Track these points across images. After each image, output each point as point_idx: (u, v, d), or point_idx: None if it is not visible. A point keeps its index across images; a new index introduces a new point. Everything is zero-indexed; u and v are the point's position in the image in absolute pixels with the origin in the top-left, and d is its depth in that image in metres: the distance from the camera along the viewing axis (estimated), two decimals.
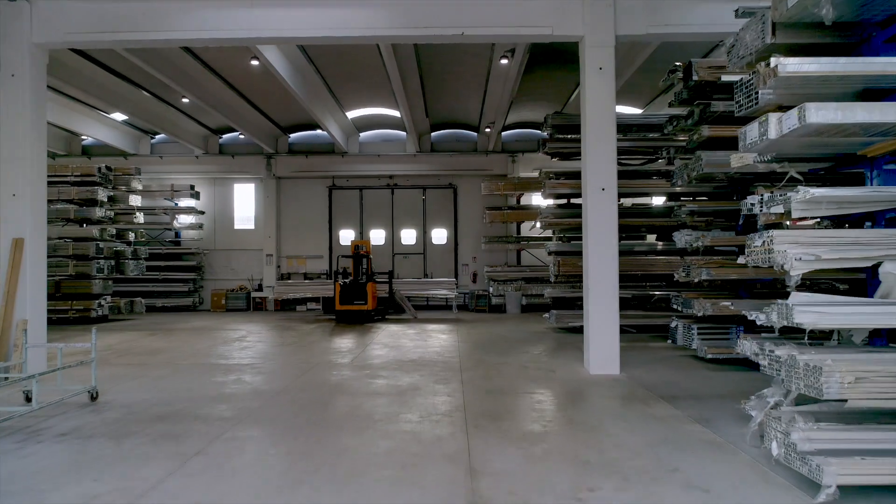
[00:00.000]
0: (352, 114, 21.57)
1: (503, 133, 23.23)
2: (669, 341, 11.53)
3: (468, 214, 23.86)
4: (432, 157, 23.62)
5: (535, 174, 22.54)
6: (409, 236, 24.09)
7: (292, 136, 24.03)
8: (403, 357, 11.58)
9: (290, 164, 23.70)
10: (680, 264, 11.70)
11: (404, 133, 23.78)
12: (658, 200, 17.50)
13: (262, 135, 22.56)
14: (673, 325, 11.35)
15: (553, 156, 16.10)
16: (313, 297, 21.82)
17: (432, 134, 23.78)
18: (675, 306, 11.35)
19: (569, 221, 15.45)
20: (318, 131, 23.68)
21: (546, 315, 16.39)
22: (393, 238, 24.04)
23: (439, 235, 24.07)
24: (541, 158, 22.94)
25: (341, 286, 18.47)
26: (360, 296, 18.41)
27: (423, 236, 24.03)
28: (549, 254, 15.78)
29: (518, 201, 23.10)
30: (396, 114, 21.64)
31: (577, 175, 15.18)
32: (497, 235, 23.25)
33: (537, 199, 23.26)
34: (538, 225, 16.31)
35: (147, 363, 10.99)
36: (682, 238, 11.23)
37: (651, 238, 16.57)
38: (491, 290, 21.87)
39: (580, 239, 16.04)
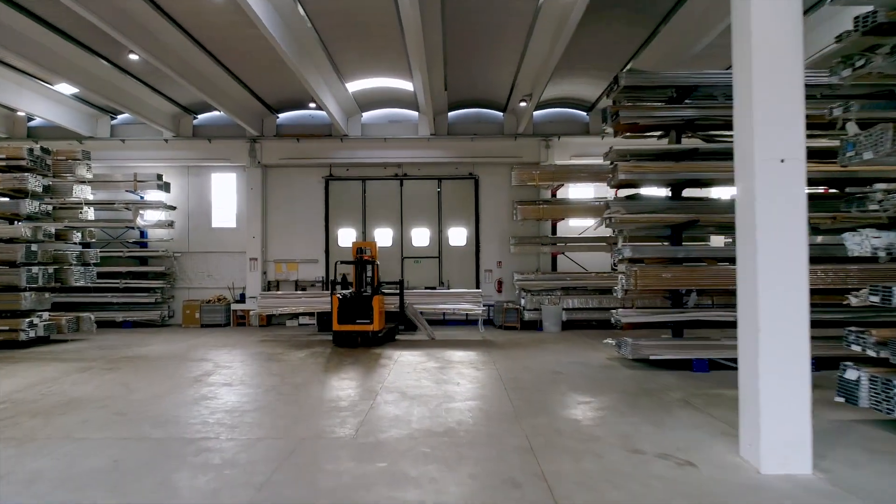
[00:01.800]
0: (354, 86, 17.60)
1: (535, 113, 19.26)
2: (840, 397, 7.56)
3: (492, 210, 19.91)
4: (449, 141, 19.66)
5: (575, 161, 18.68)
6: (421, 237, 20.14)
7: (281, 115, 20.06)
8: (434, 422, 7.64)
9: (279, 150, 19.73)
10: (854, 275, 7.77)
11: (416, 113, 19.82)
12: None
13: (246, 113, 18.59)
14: (851, 375, 7.38)
15: (620, 132, 12.12)
16: (307, 311, 17.82)
17: (449, 114, 19.82)
18: (853, 344, 7.42)
19: (652, 218, 11.49)
20: (313, 110, 19.73)
21: (611, 341, 12.51)
22: (402, 239, 20.10)
23: (458, 236, 20.13)
24: (579, 143, 19.15)
25: (340, 300, 14.53)
26: (363, 313, 14.46)
27: (439, 237, 20.09)
28: (619, 262, 11.82)
29: (553, 195, 19.15)
30: (408, 86, 17.68)
31: (666, 156, 11.26)
32: (529, 236, 19.32)
33: (575, 192, 19.29)
34: (593, 224, 12.31)
35: (33, 438, 7.02)
36: (863, 242, 7.30)
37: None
38: (523, 302, 17.93)
39: (661, 241, 12.19)
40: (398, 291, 15.85)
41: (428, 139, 19.58)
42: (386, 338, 15.24)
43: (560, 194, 19.26)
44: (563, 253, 19.00)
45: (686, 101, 11.48)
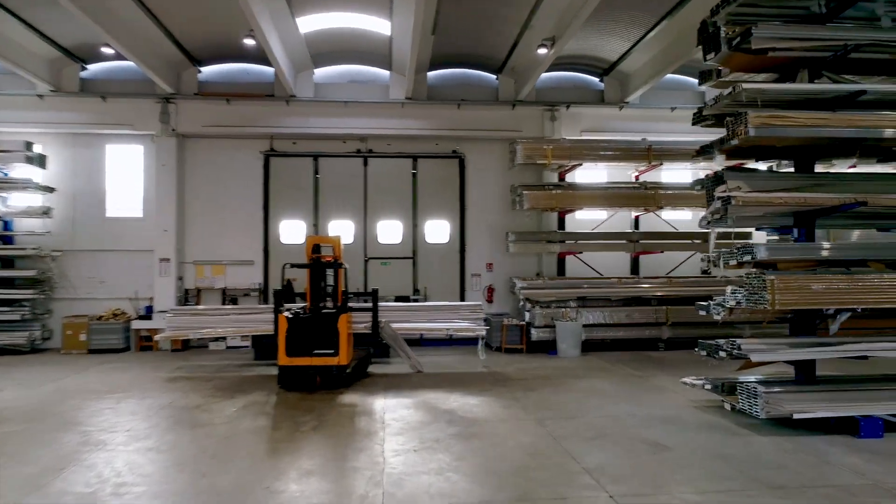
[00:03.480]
0: (308, 21, 12.93)
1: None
2: None
3: (482, 198, 15.62)
4: (429, 108, 15.24)
5: (588, 136, 14.67)
6: (390, 232, 15.62)
7: (206, 68, 15.08)
8: None
9: (203, 114, 14.74)
10: None
11: (386, 71, 15.31)
12: None
13: (157, 62, 13.57)
14: None
15: (731, 69, 8.04)
16: (240, 334, 12.95)
17: (429, 74, 15.38)
18: None
19: (790, 199, 7.44)
20: (249, 63, 14.91)
21: (695, 381, 8.54)
22: (365, 235, 15.51)
23: (438, 231, 15.73)
24: (592, 115, 15.24)
25: (290, 322, 9.88)
26: (324, 339, 9.88)
27: (414, 232, 15.62)
28: (734, 266, 7.76)
29: (562, 178, 15.04)
30: (381, 28, 13.19)
31: (810, 104, 7.29)
32: (531, 231, 15.14)
33: (583, 177, 15.23)
34: (706, 212, 8.15)
35: None
36: None
37: None
38: (528, 317, 13.71)
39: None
40: (371, 306, 11.28)
41: (402, 104, 15.08)
42: (356, 374, 10.67)
43: (567, 178, 15.15)
44: (576, 253, 14.89)
45: (833, 22, 7.54)
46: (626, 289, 13.98)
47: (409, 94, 14.86)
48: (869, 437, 6.94)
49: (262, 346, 12.42)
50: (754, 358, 7.16)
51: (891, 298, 7.21)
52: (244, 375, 11.14)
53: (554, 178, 15.10)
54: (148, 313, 14.36)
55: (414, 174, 15.64)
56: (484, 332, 11.88)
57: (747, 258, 7.28)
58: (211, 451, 6.62)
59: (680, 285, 14.09)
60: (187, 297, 14.69)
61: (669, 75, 15.18)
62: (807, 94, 7.30)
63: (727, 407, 7.81)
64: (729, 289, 7.77)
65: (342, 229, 15.12)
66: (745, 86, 7.10)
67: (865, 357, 7.39)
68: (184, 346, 14.06)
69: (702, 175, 15.56)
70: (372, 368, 11.53)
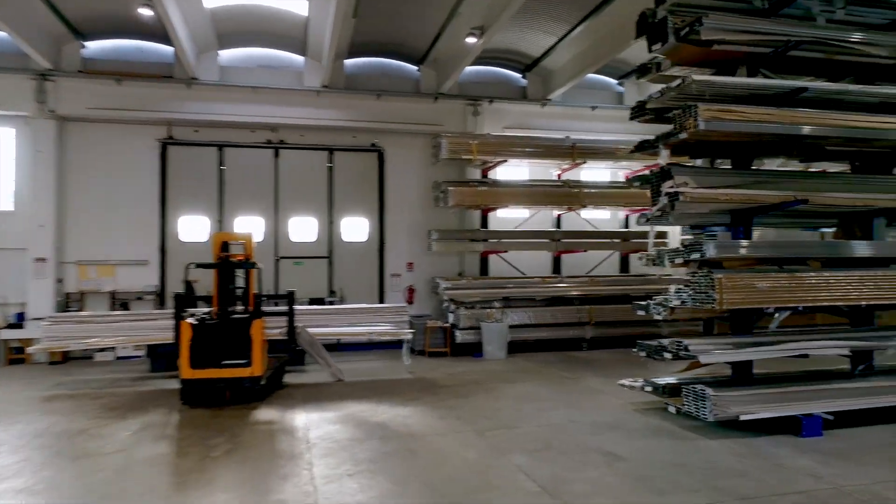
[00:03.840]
0: None
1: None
2: None
3: (403, 195, 14.89)
4: (347, 98, 14.33)
5: (511, 133, 14.33)
6: (304, 229, 14.54)
7: (93, 43, 13.36)
8: None
9: (88, 95, 13.02)
10: None
11: (300, 57, 14.24)
12: None
13: (32, 32, 11.77)
14: None
15: (679, 62, 7.81)
16: (132, 343, 11.47)
17: (347, 62, 14.46)
18: None
19: (736, 196, 7.27)
20: (143, 39, 13.37)
21: (633, 383, 8.31)
22: (276, 232, 14.35)
23: (355, 229, 14.83)
24: (515, 111, 14.93)
25: (195, 329, 8.71)
26: (236, 348, 8.81)
27: (330, 230, 14.63)
28: (680, 265, 7.52)
29: (484, 175, 14.61)
30: (297, 7, 12.16)
31: (752, 100, 7.18)
32: (455, 229, 14.61)
33: (504, 174, 14.84)
34: (655, 209, 7.84)
35: None
36: None
37: None
38: (452, 318, 13.14)
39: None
40: (288, 310, 10.24)
41: (317, 93, 14.07)
42: (271, 385, 9.63)
43: (490, 175, 14.72)
44: (499, 252, 14.49)
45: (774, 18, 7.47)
46: (550, 288, 13.74)
47: (325, 82, 13.88)
48: (810, 436, 6.88)
49: (160, 357, 11.05)
50: (703, 359, 6.92)
51: (830, 296, 7.22)
52: (139, 391, 9.79)
53: (477, 175, 14.63)
54: (19, 321, 12.47)
55: (330, 168, 14.65)
56: (410, 336, 11.16)
57: (696, 256, 7.03)
58: (101, 490, 5.49)
59: (601, 284, 14.03)
60: (69, 303, 12.91)
61: (590, 75, 15.17)
62: (753, 89, 7.17)
63: (671, 410, 7.55)
64: (673, 288, 7.53)
65: (251, 226, 13.87)
66: (695, 77, 6.84)
67: (806, 356, 7.37)
68: (64, 359, 12.32)
69: (621, 175, 15.82)
70: (287, 378, 10.51)
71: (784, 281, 7.07)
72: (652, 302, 8.23)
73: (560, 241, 14.54)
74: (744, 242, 7.35)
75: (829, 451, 6.43)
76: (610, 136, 15.10)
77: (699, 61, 7.74)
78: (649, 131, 15.70)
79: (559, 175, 15.02)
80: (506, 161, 13.75)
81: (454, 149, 13.13)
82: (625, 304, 13.89)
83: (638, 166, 15.01)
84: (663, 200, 7.17)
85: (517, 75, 15.69)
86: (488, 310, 13.14)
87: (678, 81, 7.01)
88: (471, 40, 11.68)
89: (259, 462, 6.23)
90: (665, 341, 7.53)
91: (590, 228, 15.25)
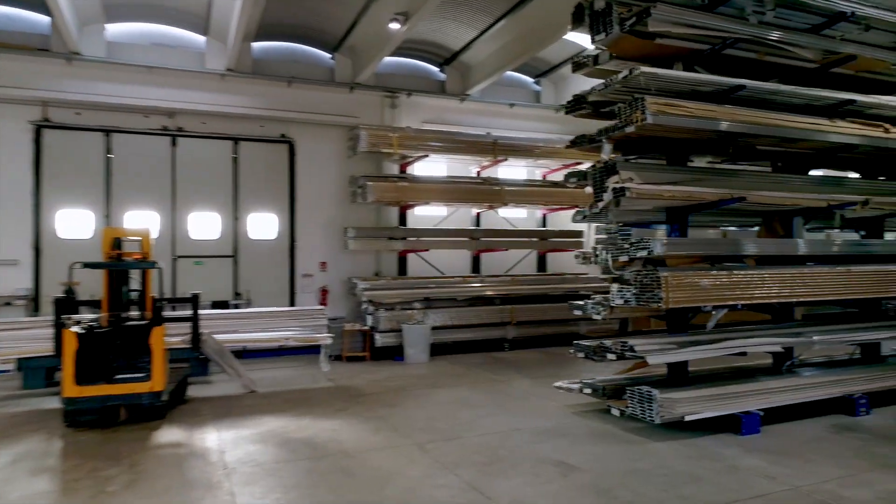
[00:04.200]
0: None
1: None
2: None
3: (316, 190, 13.94)
4: (254, 84, 13.22)
5: (429, 127, 13.83)
6: (205, 226, 13.24)
7: None
8: None
9: None
10: None
11: (201, 37, 12.98)
12: None
13: None
14: None
15: (621, 55, 7.57)
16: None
17: (255, 45, 13.35)
18: None
19: (680, 192, 7.15)
20: (13, 8, 11.64)
21: (570, 386, 8.09)
22: (174, 229, 12.96)
23: (263, 225, 13.71)
24: (433, 105, 14.54)
25: (81, 339, 7.49)
26: (131, 360, 7.67)
27: (235, 226, 13.43)
28: (625, 263, 7.30)
29: (403, 171, 14.00)
30: None
31: (695, 96, 7.11)
32: (373, 227, 13.91)
33: (422, 170, 14.30)
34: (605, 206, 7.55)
35: None
36: None
37: None
38: (371, 320, 12.45)
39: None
40: (192, 315, 9.12)
41: (221, 76, 12.86)
42: (172, 401, 8.50)
43: (408, 171, 14.14)
44: (419, 251, 13.94)
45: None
46: (472, 288, 13.36)
47: (230, 65, 12.71)
48: (750, 434, 6.90)
49: (35, 371, 9.53)
50: (651, 360, 6.73)
51: (766, 294, 7.28)
52: (9, 413, 8.33)
53: (394, 170, 14.00)
54: None
55: (235, 159, 13.45)
56: (330, 341, 10.36)
57: (642, 254, 6.82)
58: None
59: (522, 284, 13.85)
60: None
61: (508, 73, 14.99)
62: (696, 85, 7.09)
63: (615, 412, 7.33)
64: (615, 287, 7.30)
65: (144, 222, 12.42)
66: (643, 69, 6.62)
67: (744, 353, 7.39)
68: None
69: (538, 173, 15.76)
70: (191, 391, 9.38)
71: (725, 279, 7.04)
72: (590, 302, 8.00)
73: (480, 240, 14.19)
74: (691, 240, 7.26)
75: (772, 448, 6.43)
76: (527, 134, 14.99)
77: (638, 56, 7.56)
78: (570, 130, 15.73)
79: (479, 172, 14.71)
80: (427, 156, 13.22)
81: (374, 142, 12.43)
82: (545, 303, 13.91)
83: (556, 165, 15.03)
84: (608, 196, 6.91)
85: (435, 69, 15.22)
86: (409, 311, 12.55)
87: (624, 73, 6.77)
88: (394, 26, 11.02)
89: (168, 496, 5.30)
90: (608, 342, 7.30)
91: (508, 227, 15.07)
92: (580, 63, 8.35)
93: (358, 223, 13.63)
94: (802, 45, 7.50)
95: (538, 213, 15.70)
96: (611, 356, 7.19)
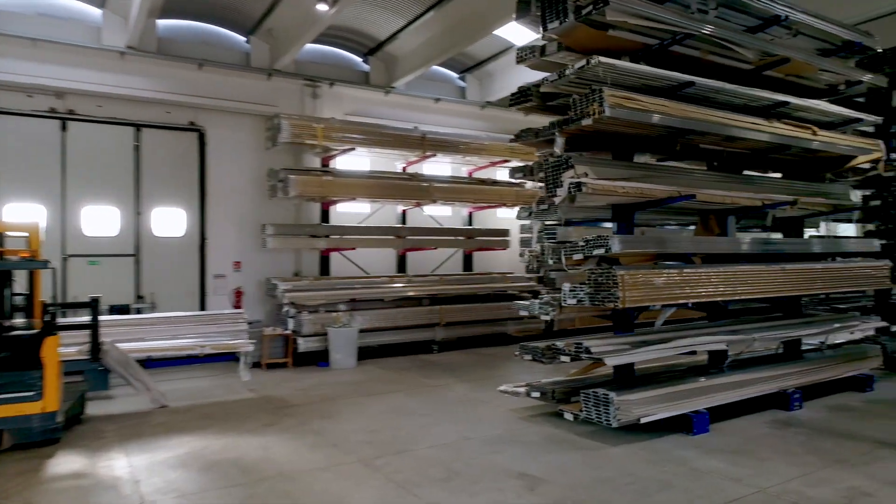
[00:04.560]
0: None
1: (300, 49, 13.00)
2: None
3: (229, 183, 12.87)
4: (160, 65, 12.01)
5: (355, 119, 13.19)
6: (101, 221, 11.85)
7: None
8: None
9: None
10: None
11: (98, 9, 11.60)
12: None
13: None
14: None
15: (572, 46, 7.29)
16: None
17: (160, 23, 12.12)
18: None
19: (633, 189, 6.97)
20: None
21: (515, 389, 7.80)
22: (64, 224, 11.51)
23: (170, 221, 12.48)
24: (357, 97, 13.99)
25: None
26: (17, 376, 6.54)
27: (137, 222, 12.13)
28: (579, 262, 7.02)
29: (325, 164, 13.22)
30: None
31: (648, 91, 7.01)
32: (294, 224, 13.04)
33: (345, 165, 13.59)
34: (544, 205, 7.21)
35: None
36: None
37: None
38: (293, 324, 11.61)
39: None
40: (91, 322, 7.97)
41: (121, 55, 11.56)
42: (70, 422, 7.35)
43: (331, 165, 13.36)
44: (343, 249, 13.21)
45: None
46: (400, 288, 12.80)
47: (132, 42, 11.45)
48: (701, 433, 6.83)
49: None
50: (609, 362, 6.50)
51: (713, 292, 7.27)
52: None
53: (316, 164, 13.19)
54: None
55: (137, 147, 12.14)
56: (252, 348, 9.47)
57: (599, 252, 6.58)
58: None
59: (451, 283, 13.46)
60: None
61: (433, 67, 14.59)
62: (651, 79, 6.95)
63: (568, 417, 7.05)
64: (567, 286, 7.03)
65: (27, 215, 10.90)
66: (601, 59, 6.37)
67: (694, 352, 7.35)
68: None
69: (464, 170, 15.44)
70: (90, 410, 8.21)
71: (676, 277, 6.94)
72: (538, 301, 7.72)
73: (407, 239, 13.66)
74: (648, 238, 7.12)
75: (725, 448, 6.37)
76: (452, 129, 14.63)
77: (588, 49, 7.27)
78: (495, 127, 15.59)
79: (404, 168, 14.17)
80: (354, 149, 12.50)
81: (296, 133, 11.59)
82: (473, 303, 13.60)
83: (483, 162, 14.77)
84: (564, 192, 6.61)
85: (358, 59, 14.54)
86: (335, 313, 11.81)
87: (581, 63, 6.50)
88: (321, 8, 10.26)
89: None
90: (560, 343, 7.02)
91: (435, 225, 14.65)
92: (525, 54, 8.03)
93: (276, 220, 12.70)
94: (746, 45, 7.56)
95: (464, 211, 15.37)
96: (564, 358, 6.92)
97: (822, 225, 11.30)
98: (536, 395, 7.64)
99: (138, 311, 11.61)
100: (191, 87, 12.25)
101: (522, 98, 7.96)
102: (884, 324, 9.40)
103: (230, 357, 11.45)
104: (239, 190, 12.86)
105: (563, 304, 7.10)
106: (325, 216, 13.24)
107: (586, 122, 6.53)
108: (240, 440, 6.82)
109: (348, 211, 13.79)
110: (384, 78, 14.48)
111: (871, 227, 11.23)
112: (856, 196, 9.75)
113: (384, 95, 14.42)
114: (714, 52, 7.82)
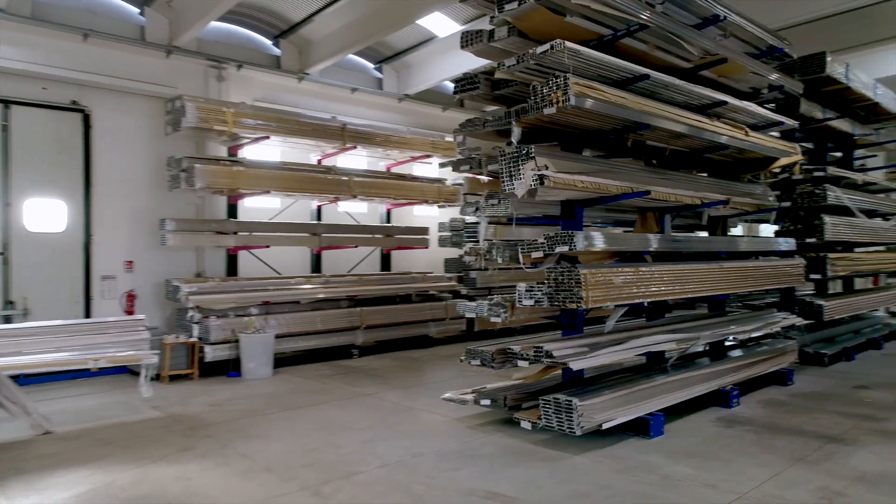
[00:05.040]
0: None
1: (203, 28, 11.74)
2: None
3: (120, 172, 11.38)
4: (33, 31, 10.36)
5: (270, 106, 12.17)
6: None
7: None
8: None
9: None
10: None
11: None
12: None
13: None
14: None
15: (523, 29, 6.85)
16: None
17: None
18: None
19: (591, 185, 6.64)
20: None
21: (461, 397, 7.35)
22: None
23: (47, 214, 10.81)
24: (268, 82, 13.22)
25: None
26: None
27: (5, 215, 10.39)
28: (547, 255, 6.59)
29: (233, 154, 12.04)
30: None
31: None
32: (198, 219, 11.77)
33: (254, 154, 12.48)
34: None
35: None
36: None
37: None
38: (200, 330, 10.42)
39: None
40: None
41: None
42: None
43: (239, 155, 12.19)
44: (253, 247, 12.09)
45: None
46: (317, 289, 11.88)
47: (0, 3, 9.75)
48: (657, 436, 6.65)
49: None
50: (574, 365, 6.12)
51: (665, 291, 7.12)
52: None
53: (222, 153, 11.97)
54: None
55: (4, 127, 10.39)
56: (156, 359, 8.27)
57: (563, 248, 6.19)
58: None
59: (371, 284, 12.72)
60: None
61: (349, 55, 13.82)
62: (612, 69, 6.65)
63: (525, 426, 6.61)
64: (523, 286, 6.60)
65: None
66: (567, 44, 5.99)
67: (651, 353, 7.16)
68: None
69: (382, 165, 14.72)
70: None
71: (633, 276, 6.71)
72: (486, 302, 7.24)
73: (323, 236, 12.74)
74: (613, 235, 6.82)
75: (687, 451, 6.20)
76: (367, 122, 13.89)
77: (541, 36, 6.88)
78: (413, 121, 15.03)
79: (319, 160, 13.25)
80: (268, 138, 11.41)
81: (204, 117, 10.37)
82: (394, 304, 12.94)
83: (404, 157, 14.15)
84: (525, 185, 6.16)
85: (268, 42, 13.41)
86: (247, 318, 10.71)
87: (545, 48, 6.07)
88: None
89: None
90: (515, 347, 6.57)
91: (352, 222, 13.85)
92: (472, 39, 7.50)
93: (176, 214, 11.38)
94: (694, 41, 7.50)
95: (381, 207, 14.66)
96: (522, 363, 6.48)
97: (739, 225, 11.74)
98: (486, 402, 7.16)
99: (7, 320, 9.97)
100: (73, 61, 10.68)
101: (469, 85, 7.46)
102: (800, 320, 9.81)
103: (122, 370, 10.16)
104: (132, 180, 11.40)
105: (519, 305, 6.66)
106: (232, 211, 12.06)
107: (549, 110, 6.12)
108: (153, 470, 5.78)
109: (257, 206, 12.69)
110: (297, 63, 13.46)
111: (776, 227, 11.78)
112: (772, 197, 10.13)
113: (297, 82, 13.41)
114: (661, 48, 7.71)
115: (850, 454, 6.04)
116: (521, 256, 6.54)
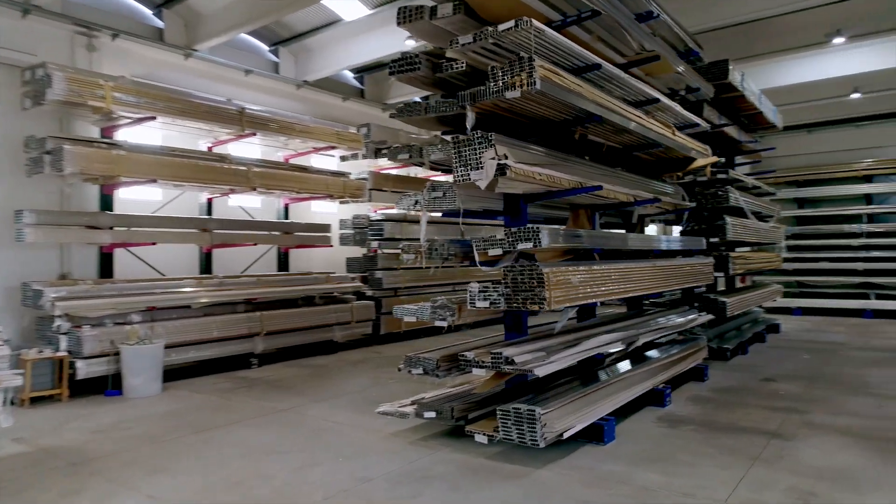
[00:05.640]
0: None
1: None
2: None
3: None
4: None
5: (155, 83, 10.76)
6: None
7: None
8: None
9: None
10: None
11: None
12: None
13: None
14: None
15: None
16: None
17: None
18: None
19: (546, 176, 6.18)
20: None
21: (399, 410, 6.77)
22: None
23: None
24: (149, 57, 11.89)
25: None
26: None
27: None
28: (506, 253, 6.05)
29: (107, 135, 10.37)
30: None
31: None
32: (64, 211, 10.00)
33: (132, 138, 10.88)
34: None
35: None
36: None
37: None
38: (69, 342, 8.82)
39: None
40: None
41: None
42: None
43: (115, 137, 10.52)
44: (132, 245, 10.50)
45: None
46: (210, 292, 10.55)
47: None
48: (611, 441, 6.39)
49: None
50: (540, 372, 5.64)
51: (613, 290, 6.89)
52: None
53: (94, 134, 10.27)
54: None
55: None
56: (20, 381, 6.72)
57: (526, 245, 5.70)
58: None
59: (272, 286, 11.57)
60: None
61: (241, 34, 12.56)
62: (565, 55, 6.25)
63: (481, 439, 6.03)
64: (476, 286, 6.04)
65: None
66: (534, 22, 5.50)
67: (602, 355, 6.88)
68: None
69: (279, 155, 13.51)
70: None
71: (587, 275, 6.39)
72: (429, 305, 6.60)
73: (215, 233, 11.39)
74: (582, 232, 6.42)
75: (647, 456, 5.97)
76: (265, 108, 12.69)
77: (493, 17, 6.37)
78: (310, 110, 14.01)
79: (210, 148, 11.86)
80: (153, 118, 9.90)
81: (76, 90, 8.74)
82: (296, 308, 11.87)
83: (306, 148, 13.08)
84: (486, 175, 5.60)
85: (148, 11, 11.78)
86: (129, 326, 9.21)
87: (509, 25, 5.54)
88: None
89: None
90: (469, 354, 5.99)
91: (246, 218, 12.56)
92: (412, 15, 6.82)
93: (35, 205, 9.55)
94: (636, 35, 7.35)
95: (277, 202, 13.46)
96: (478, 371, 5.91)
97: (651, 224, 12.00)
98: (431, 415, 6.50)
99: None
100: None
101: (407, 66, 6.74)
102: (711, 316, 10.14)
103: None
104: None
105: (471, 307, 6.09)
106: (105, 203, 10.38)
107: (511, 94, 5.61)
108: None
109: (135, 198, 11.08)
110: (183, 38, 11.95)
111: (680, 227, 12.18)
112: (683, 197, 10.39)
113: (183, 59, 11.90)
114: (602, 40, 7.50)
115: (796, 450, 6.10)
116: (476, 254, 5.98)
